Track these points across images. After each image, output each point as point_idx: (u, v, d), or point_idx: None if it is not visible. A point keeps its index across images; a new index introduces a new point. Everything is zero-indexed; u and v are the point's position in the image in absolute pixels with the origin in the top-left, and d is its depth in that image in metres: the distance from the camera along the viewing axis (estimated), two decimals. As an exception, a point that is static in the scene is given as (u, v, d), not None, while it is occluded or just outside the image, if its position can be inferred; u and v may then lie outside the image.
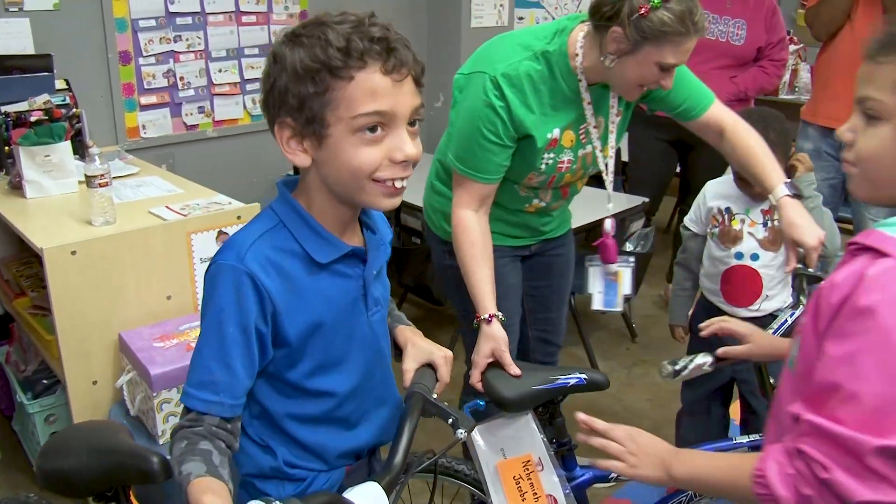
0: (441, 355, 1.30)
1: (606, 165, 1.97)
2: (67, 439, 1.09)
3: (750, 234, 2.14)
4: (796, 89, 5.37)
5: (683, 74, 1.90)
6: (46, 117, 2.68)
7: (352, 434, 1.22)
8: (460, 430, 1.18)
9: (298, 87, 1.00)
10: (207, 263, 1.08)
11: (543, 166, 1.89)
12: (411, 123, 1.05)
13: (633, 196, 3.53)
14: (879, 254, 0.94)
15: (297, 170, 1.13)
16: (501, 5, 4.62)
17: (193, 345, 1.99)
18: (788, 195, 1.74)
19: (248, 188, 3.87)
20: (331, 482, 1.21)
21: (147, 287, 2.15)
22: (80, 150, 2.66)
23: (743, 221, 2.15)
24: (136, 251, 2.12)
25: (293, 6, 3.93)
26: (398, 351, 1.33)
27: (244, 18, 3.76)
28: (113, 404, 2.16)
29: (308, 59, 0.98)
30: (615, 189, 2.08)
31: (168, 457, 1.04)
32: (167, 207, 2.29)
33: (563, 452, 1.72)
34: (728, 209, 2.17)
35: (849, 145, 1.05)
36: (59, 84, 2.92)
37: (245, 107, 3.89)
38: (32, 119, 2.65)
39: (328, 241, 1.10)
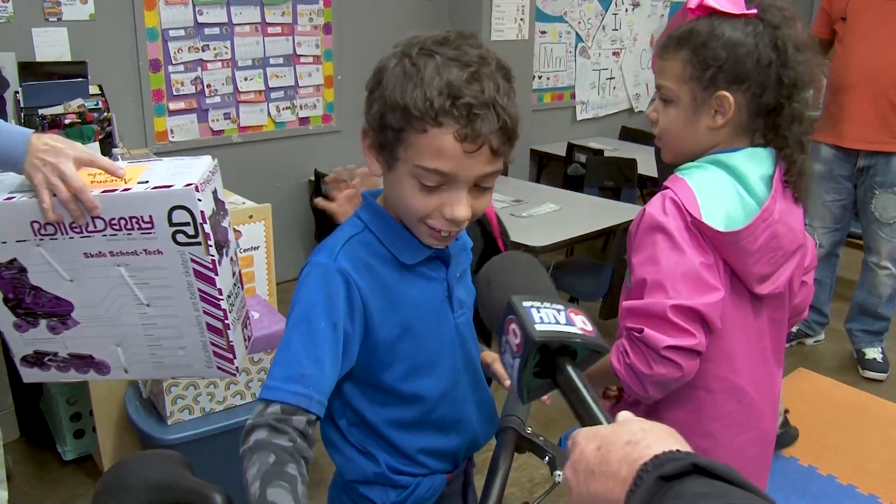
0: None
1: None
2: (123, 475, 1.01)
3: None
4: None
5: None
6: (79, 120, 2.88)
7: (447, 438, 1.21)
8: (557, 473, 1.06)
9: (382, 111, 1.02)
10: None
11: None
12: (479, 183, 1.04)
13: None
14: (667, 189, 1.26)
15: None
16: (522, 19, 4.74)
17: (202, 333, 2.17)
18: None
19: (270, 192, 4.03)
20: (433, 489, 1.20)
21: (162, 279, 2.30)
22: (111, 151, 2.85)
23: None
24: (153, 245, 2.27)
25: (317, 18, 4.10)
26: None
27: (270, 29, 3.94)
28: (128, 387, 2.32)
29: (398, 93, 0.99)
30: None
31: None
32: (184, 205, 2.44)
33: None
34: None
35: (654, 123, 1.35)
36: (93, 89, 3.12)
37: (269, 114, 4.06)
38: (66, 121, 2.86)
39: (412, 244, 1.11)
